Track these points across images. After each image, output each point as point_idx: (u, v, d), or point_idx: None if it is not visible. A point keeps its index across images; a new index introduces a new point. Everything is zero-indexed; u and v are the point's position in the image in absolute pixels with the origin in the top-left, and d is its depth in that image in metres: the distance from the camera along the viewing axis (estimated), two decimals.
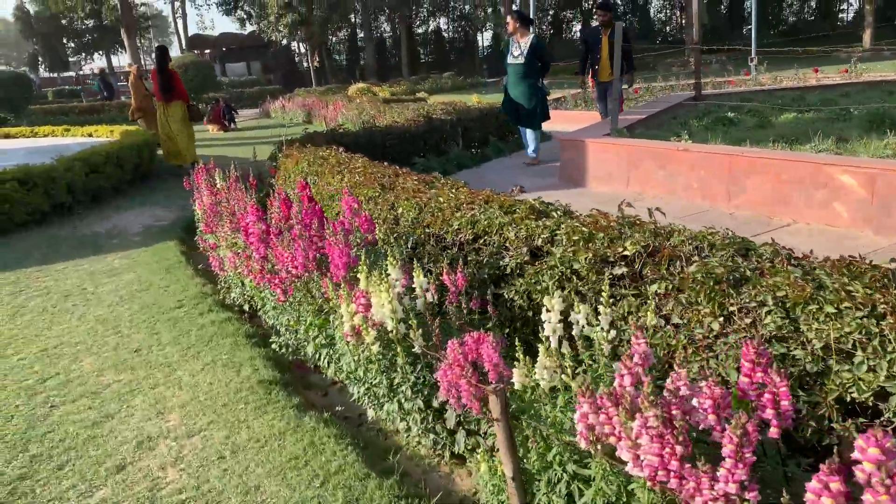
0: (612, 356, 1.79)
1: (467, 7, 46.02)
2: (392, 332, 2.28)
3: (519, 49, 7.13)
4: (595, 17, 7.83)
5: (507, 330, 2.54)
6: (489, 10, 42.42)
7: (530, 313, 2.41)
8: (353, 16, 40.30)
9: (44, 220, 6.75)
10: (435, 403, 2.29)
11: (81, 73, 47.15)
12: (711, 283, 1.87)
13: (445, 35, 48.90)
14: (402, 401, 2.42)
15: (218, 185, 5.44)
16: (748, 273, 1.88)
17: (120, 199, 7.85)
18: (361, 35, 46.09)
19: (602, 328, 1.79)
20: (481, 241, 2.80)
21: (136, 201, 7.68)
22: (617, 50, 7.06)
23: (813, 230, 4.38)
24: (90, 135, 11.60)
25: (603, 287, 1.81)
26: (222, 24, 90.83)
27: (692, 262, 2.00)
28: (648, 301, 1.90)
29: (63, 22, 43.71)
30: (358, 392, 2.75)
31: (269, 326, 3.86)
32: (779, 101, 8.77)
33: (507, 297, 2.50)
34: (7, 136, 13.28)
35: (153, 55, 10.15)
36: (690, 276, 1.92)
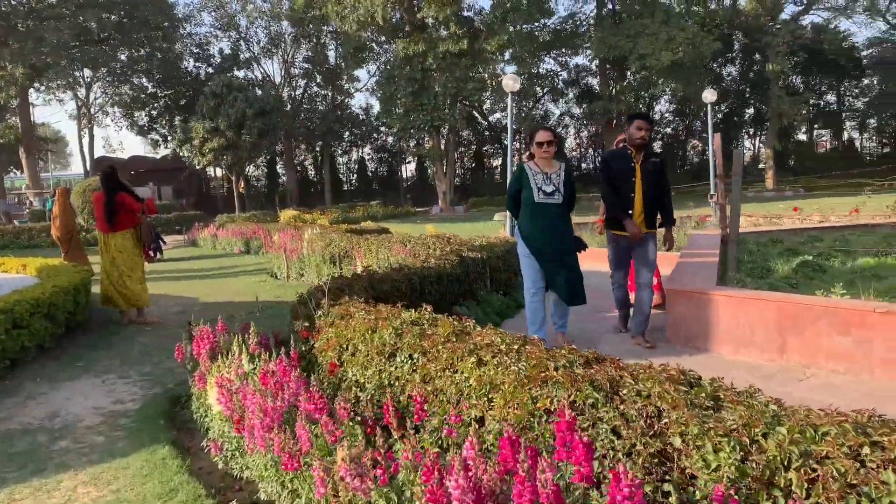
0: None
1: (390, 139, 46.48)
2: None
3: (551, 183, 4.77)
4: (627, 132, 5.12)
5: None
6: (412, 143, 42.93)
7: None
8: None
9: None
10: None
11: None
12: None
13: (369, 164, 48.88)
14: None
15: (244, 364, 3.63)
16: None
17: (51, 364, 5.69)
18: (281, 162, 45.17)
19: None
20: None
21: (77, 368, 5.54)
22: (653, 189, 5.09)
23: None
24: None
25: None
26: (132, 146, 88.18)
27: None
28: None
29: None
30: None
31: None
32: (820, 242, 8.00)
33: None
34: None
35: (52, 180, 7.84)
36: None
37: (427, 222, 27.30)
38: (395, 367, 3.20)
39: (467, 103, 34.65)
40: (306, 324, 4.18)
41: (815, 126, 46.64)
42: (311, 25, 37.89)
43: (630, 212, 5.07)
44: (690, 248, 7.29)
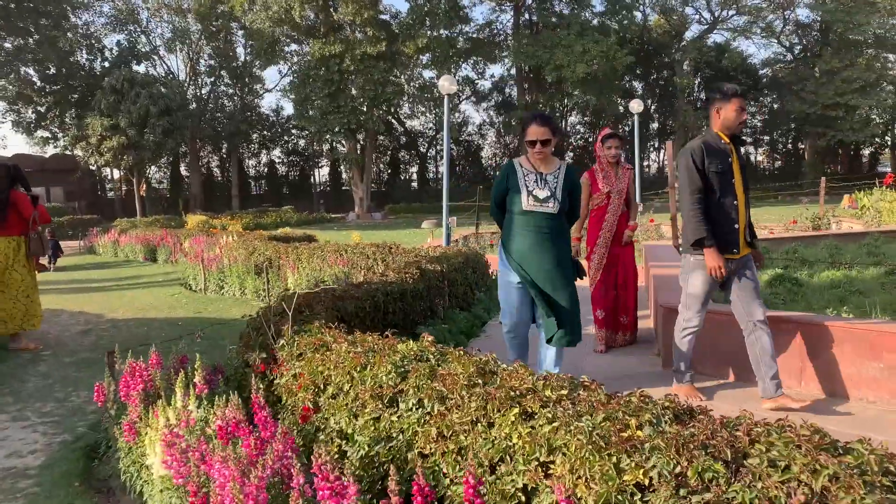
0: None
1: (302, 142, 45.02)
2: None
3: (545, 186, 3.66)
4: (721, 116, 3.83)
5: None
6: (325, 146, 41.75)
7: None
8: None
9: None
10: None
11: None
12: None
13: (279, 168, 47.09)
14: None
15: (192, 410, 2.87)
16: None
17: None
18: (186, 164, 42.70)
19: None
20: None
21: None
22: (748, 192, 3.95)
23: None
24: None
25: None
26: (16, 144, 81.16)
27: None
28: None
29: None
30: None
31: None
32: (774, 255, 7.90)
33: None
34: None
35: None
36: None
37: (345, 229, 26.37)
38: (399, 417, 2.54)
39: (385, 108, 33.92)
40: (263, 355, 3.42)
41: None
42: (219, 21, 36.02)
43: (736, 227, 3.78)
44: (655, 262, 6.98)
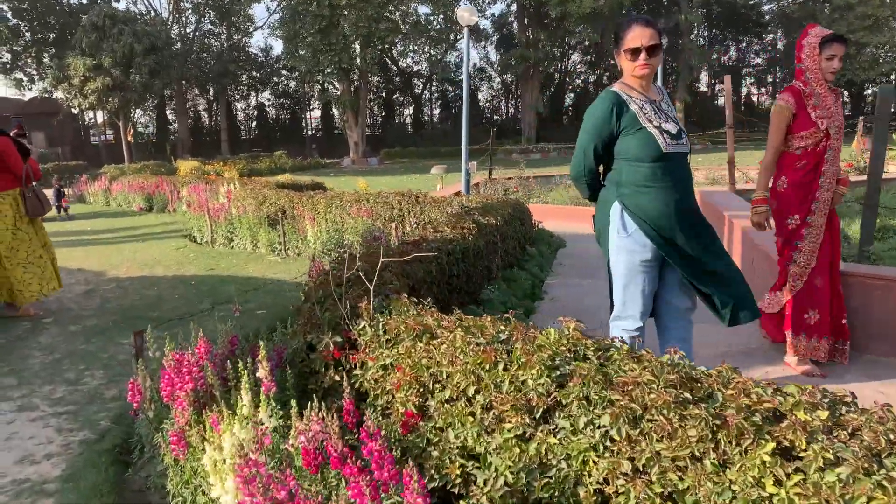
0: None
1: (293, 84, 43.40)
2: None
3: (668, 118, 2.75)
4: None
5: None
6: (317, 87, 40.25)
7: None
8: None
9: None
10: None
11: None
12: None
13: (269, 111, 45.54)
14: None
15: (263, 419, 2.20)
16: None
17: None
18: (172, 108, 41.10)
19: None
20: None
21: None
22: None
23: None
24: None
25: None
26: None
27: None
28: None
29: None
30: None
31: None
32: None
33: None
34: None
35: None
36: None
37: (343, 175, 25.41)
38: (560, 439, 1.87)
39: (380, 46, 32.47)
40: (336, 338, 2.72)
41: (715, 81, 47.92)
42: None
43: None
44: (725, 210, 6.26)
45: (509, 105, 45.58)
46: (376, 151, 36.58)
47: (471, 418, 2.09)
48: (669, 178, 2.70)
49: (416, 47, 39.22)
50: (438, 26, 34.47)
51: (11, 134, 5.35)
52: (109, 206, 15.27)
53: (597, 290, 5.55)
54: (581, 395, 1.88)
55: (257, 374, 2.45)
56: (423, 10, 34.74)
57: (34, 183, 5.47)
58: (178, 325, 4.99)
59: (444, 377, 2.25)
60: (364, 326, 2.66)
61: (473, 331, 2.33)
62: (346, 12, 29.63)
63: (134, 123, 36.31)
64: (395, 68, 43.01)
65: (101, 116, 36.66)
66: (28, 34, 33.46)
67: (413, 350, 2.38)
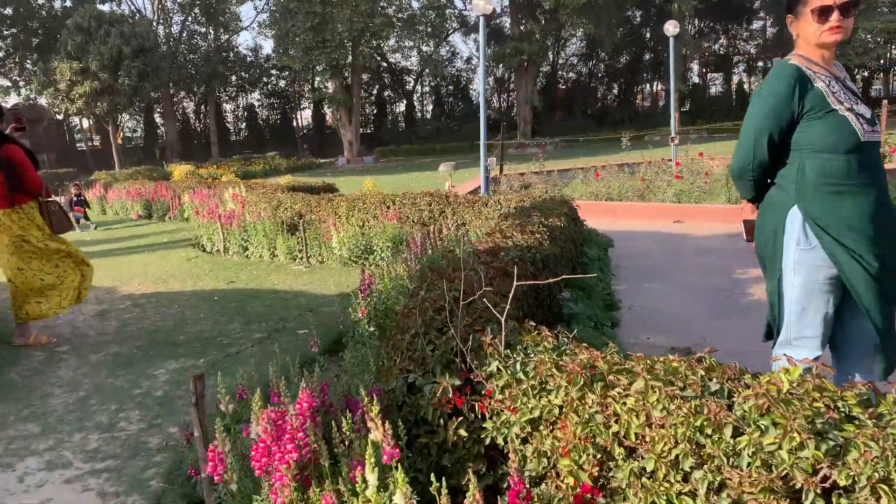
0: None
1: (283, 83, 42.66)
2: None
3: (857, 100, 2.18)
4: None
5: None
6: (307, 87, 39.60)
7: None
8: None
9: None
10: None
11: None
12: None
13: (259, 112, 44.75)
14: None
15: None
16: None
17: None
18: (160, 111, 40.25)
19: None
20: None
21: None
22: None
23: None
24: None
25: None
26: None
27: None
28: None
29: None
30: None
31: None
32: None
33: None
34: None
35: None
36: None
37: (340, 175, 24.82)
38: None
39: (374, 42, 31.86)
40: (454, 381, 2.19)
41: (706, 70, 47.76)
42: None
43: None
44: None
45: (502, 99, 45.03)
46: (370, 150, 35.97)
47: (689, 500, 1.58)
48: (867, 175, 2.15)
49: (410, 43, 38.65)
50: (430, 21, 33.91)
51: (9, 129, 4.77)
52: (107, 215, 14.64)
53: (668, 295, 5.06)
54: (877, 475, 1.37)
55: (370, 437, 1.92)
56: (416, 4, 34.18)
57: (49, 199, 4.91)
58: (212, 350, 4.45)
59: (634, 440, 1.73)
60: (495, 367, 2.13)
61: (663, 377, 1.81)
62: (338, 8, 28.99)
63: (122, 128, 35.50)
64: (384, 65, 42.35)
65: (86, 122, 35.83)
66: (10, 39, 32.55)
67: (581, 403, 1.86)
